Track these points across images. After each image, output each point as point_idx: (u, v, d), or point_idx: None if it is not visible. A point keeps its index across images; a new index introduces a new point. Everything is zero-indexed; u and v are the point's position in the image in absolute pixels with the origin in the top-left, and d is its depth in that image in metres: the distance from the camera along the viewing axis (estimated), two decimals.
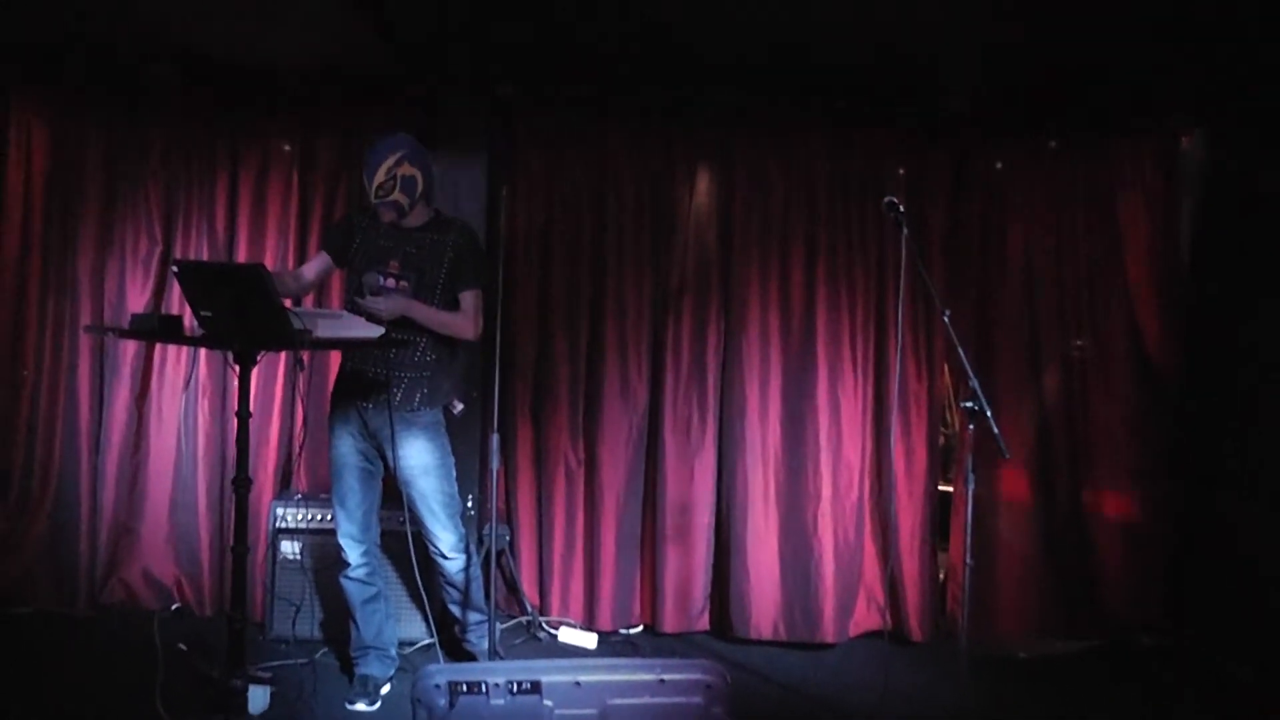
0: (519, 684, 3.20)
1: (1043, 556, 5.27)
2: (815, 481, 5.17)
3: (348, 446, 4.20)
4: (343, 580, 4.27)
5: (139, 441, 5.24)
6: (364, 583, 4.28)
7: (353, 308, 4.00)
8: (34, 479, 5.14)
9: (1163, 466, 5.22)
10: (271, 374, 5.14)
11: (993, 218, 5.33)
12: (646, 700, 3.23)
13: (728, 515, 5.21)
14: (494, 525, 4.33)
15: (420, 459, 4.16)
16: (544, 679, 3.21)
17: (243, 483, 3.50)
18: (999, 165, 5.34)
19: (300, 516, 4.80)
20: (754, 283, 5.24)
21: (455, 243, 4.16)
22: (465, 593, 4.37)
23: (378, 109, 5.09)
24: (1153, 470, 5.22)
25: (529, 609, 5.22)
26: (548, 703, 3.19)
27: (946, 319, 3.87)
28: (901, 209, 3.93)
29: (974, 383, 3.80)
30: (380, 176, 4.00)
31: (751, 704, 4.33)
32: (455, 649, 4.55)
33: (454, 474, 4.30)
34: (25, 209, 5.15)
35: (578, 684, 3.22)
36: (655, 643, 5.15)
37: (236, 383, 3.48)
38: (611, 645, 5.11)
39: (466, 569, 4.34)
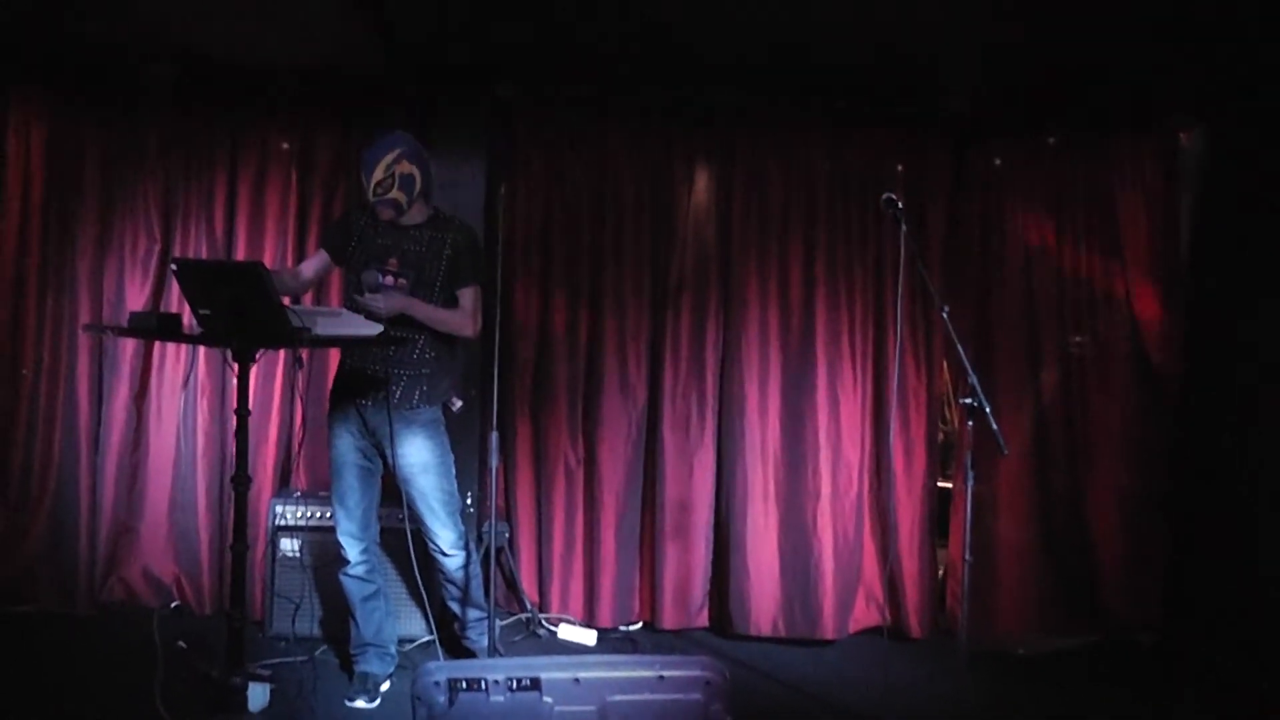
0: (518, 681, 3.19)
1: (1042, 553, 5.27)
2: (814, 478, 5.17)
3: (347, 444, 4.20)
4: (342, 578, 4.28)
5: (138, 440, 5.24)
6: (363, 580, 4.28)
7: (352, 305, 4.00)
8: (33, 478, 5.14)
9: (1162, 464, 5.22)
10: (270, 372, 5.15)
11: (992, 216, 5.34)
12: (646, 697, 3.22)
13: (727, 512, 5.22)
14: (493, 522, 4.33)
15: (420, 456, 4.16)
16: (543, 676, 3.20)
17: (242, 481, 3.50)
18: (998, 163, 5.34)
19: (299, 514, 4.81)
20: (753, 281, 5.25)
21: (454, 240, 4.16)
22: (465, 590, 4.37)
23: (377, 108, 5.09)
24: (1152, 468, 5.22)
25: (528, 606, 5.22)
26: (547, 700, 3.19)
27: (945, 315, 3.87)
28: (900, 205, 3.93)
29: (973, 379, 3.80)
30: (378, 174, 4.00)
31: (751, 700, 4.33)
32: (455, 646, 4.56)
33: (453, 471, 4.30)
34: (24, 208, 5.15)
35: (577, 681, 3.21)
36: (655, 639, 5.16)
37: (235, 381, 3.49)
38: (611, 642, 5.11)
39: (466, 566, 4.33)
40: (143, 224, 5.21)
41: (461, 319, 4.16)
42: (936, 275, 5.13)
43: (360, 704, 4.15)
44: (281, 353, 5.09)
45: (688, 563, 5.23)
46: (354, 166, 4.25)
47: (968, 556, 3.85)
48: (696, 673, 3.27)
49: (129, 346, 5.18)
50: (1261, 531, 4.79)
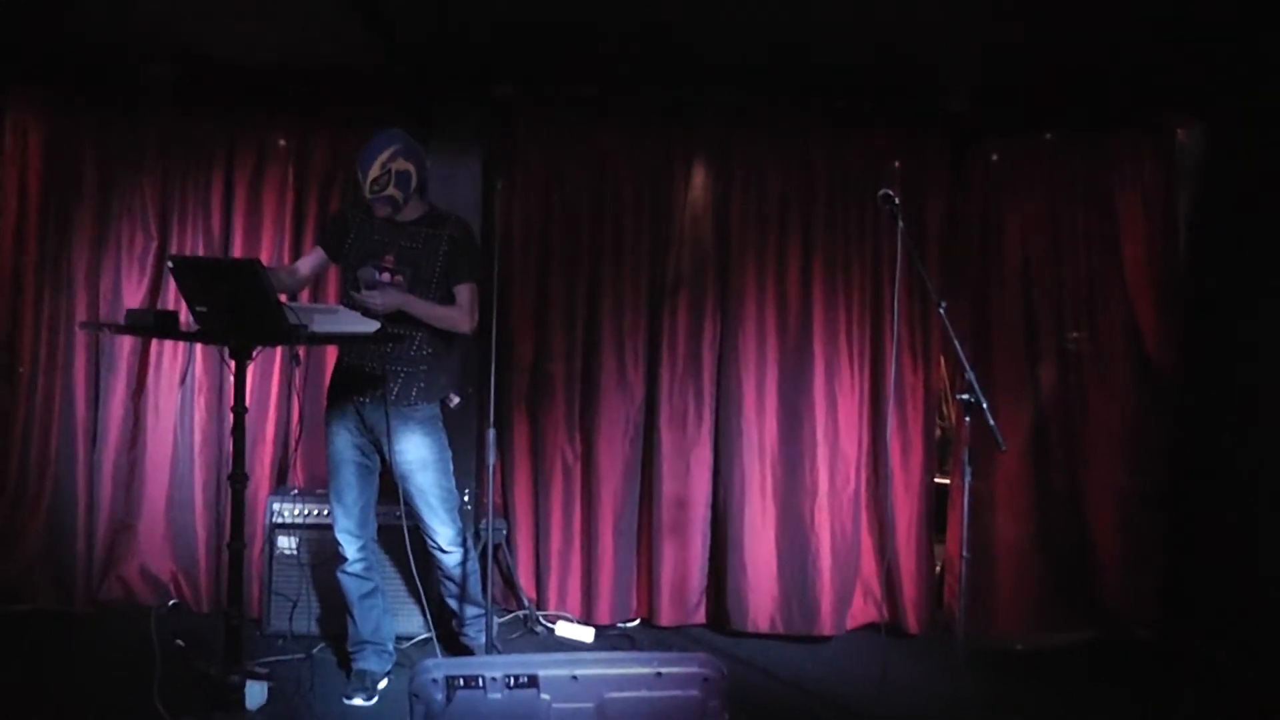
0: (516, 678, 3.19)
1: (1039, 550, 5.27)
2: (812, 475, 5.17)
3: (345, 441, 4.20)
4: (340, 575, 4.28)
5: (136, 437, 5.24)
6: (361, 578, 4.28)
7: (348, 302, 4.00)
8: (30, 476, 5.14)
9: (1160, 461, 5.22)
10: (267, 369, 5.14)
11: (990, 213, 5.34)
12: (643, 694, 3.23)
13: (724, 509, 5.22)
14: (490, 519, 4.33)
15: (418, 453, 4.16)
16: (541, 673, 3.21)
17: (239, 478, 3.51)
18: (997, 161, 5.34)
19: (297, 512, 4.81)
20: (751, 278, 5.25)
21: (450, 237, 4.16)
22: (462, 587, 4.37)
23: (374, 106, 5.07)
24: (1150, 464, 5.23)
25: (526, 603, 5.23)
26: (545, 697, 3.19)
27: (942, 311, 3.87)
28: (897, 201, 3.93)
29: (970, 375, 3.80)
30: (374, 171, 4.00)
31: (749, 697, 4.33)
32: (453, 643, 4.56)
33: (451, 468, 4.31)
34: (21, 206, 5.14)
35: (575, 678, 3.22)
36: (652, 636, 5.16)
37: (233, 378, 3.49)
38: (609, 639, 5.11)
39: (464, 563, 4.34)
40: (140, 222, 5.20)
41: (458, 315, 4.16)
42: (934, 272, 5.13)
43: (358, 701, 4.15)
44: (279, 350, 5.09)
45: (685, 559, 5.23)
46: (350, 164, 4.24)
47: (965, 553, 3.84)
48: (694, 669, 3.27)
49: (126, 344, 5.18)
50: (1260, 529, 4.79)
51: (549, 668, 3.23)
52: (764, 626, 5.12)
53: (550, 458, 5.27)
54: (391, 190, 4.04)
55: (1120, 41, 4.47)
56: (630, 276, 5.25)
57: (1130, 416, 5.23)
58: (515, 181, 5.25)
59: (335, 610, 4.60)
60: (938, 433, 5.66)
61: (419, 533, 4.29)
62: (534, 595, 5.29)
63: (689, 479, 5.24)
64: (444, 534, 4.25)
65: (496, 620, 4.56)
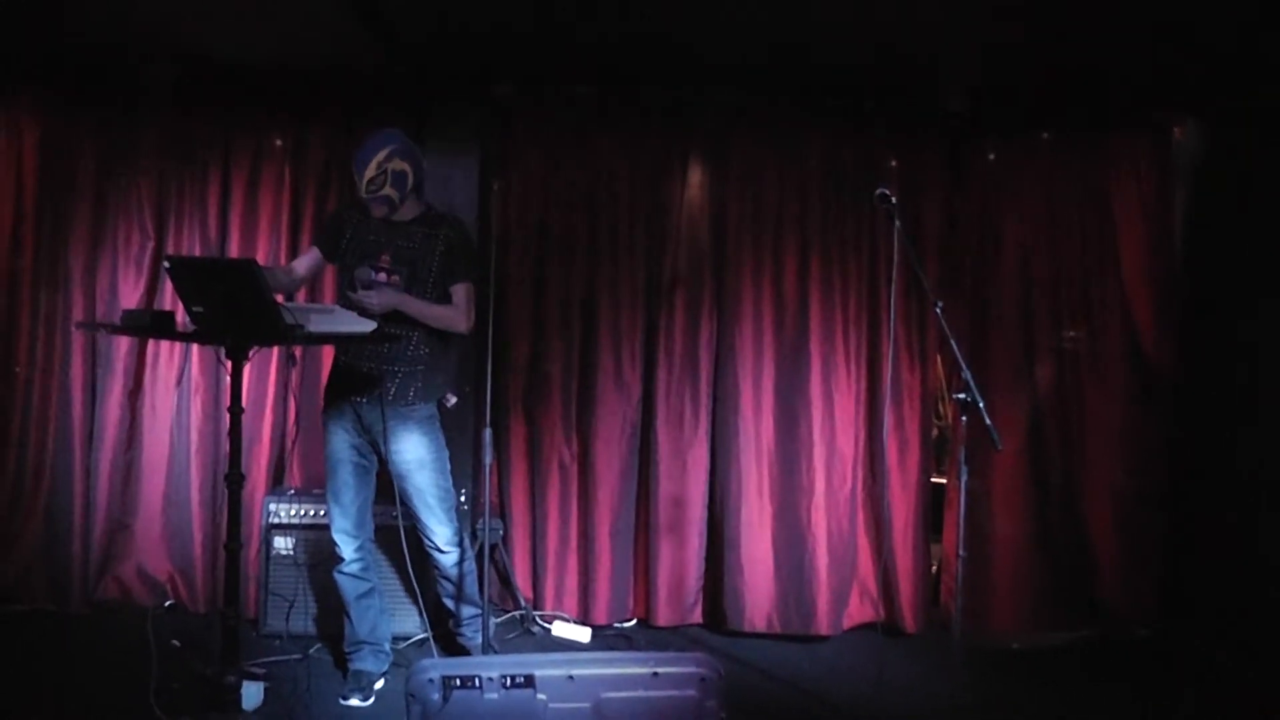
0: (513, 678, 3.19)
1: (1037, 549, 5.28)
2: (809, 474, 5.17)
3: (342, 442, 4.20)
4: (337, 575, 4.28)
5: (132, 438, 5.23)
6: (358, 578, 4.28)
7: (345, 302, 3.99)
8: (27, 476, 5.13)
9: (1158, 460, 5.22)
10: (264, 369, 5.14)
11: (988, 213, 5.34)
12: (640, 693, 3.23)
13: (721, 508, 5.22)
14: (487, 519, 4.33)
15: (416, 453, 4.17)
16: (538, 673, 3.21)
17: (236, 478, 3.50)
18: (994, 160, 5.34)
19: (293, 512, 4.80)
20: (747, 278, 5.25)
21: (446, 236, 4.16)
22: (459, 587, 4.38)
23: (371, 105, 5.08)
24: (1147, 463, 5.23)
25: (523, 603, 5.22)
26: (541, 697, 3.19)
27: (939, 310, 3.87)
28: (893, 200, 3.93)
29: (967, 375, 3.80)
30: (371, 171, 4.00)
31: (746, 696, 4.34)
32: (449, 643, 4.56)
33: (449, 468, 4.31)
34: (17, 205, 5.14)
35: (571, 678, 3.22)
36: (649, 636, 5.16)
37: (229, 378, 3.48)
38: (605, 639, 5.11)
39: (461, 563, 4.34)
40: (136, 221, 5.19)
41: (455, 315, 4.16)
42: (931, 271, 5.14)
43: (355, 702, 4.14)
44: (275, 350, 5.08)
45: (682, 559, 5.23)
46: (347, 164, 4.24)
47: (962, 552, 3.85)
48: (691, 669, 3.28)
49: (123, 344, 5.17)
50: (1260, 527, 4.79)
51: (545, 668, 3.24)
52: (761, 626, 5.12)
53: (547, 458, 5.26)
54: (388, 190, 4.04)
55: (1117, 41, 4.47)
56: (627, 276, 5.25)
57: (1128, 415, 5.23)
58: (512, 181, 5.24)
59: (332, 610, 4.60)
60: (934, 432, 5.67)
61: (416, 533, 4.28)
62: (531, 595, 5.29)
63: (686, 479, 5.24)
64: (441, 534, 4.26)
65: (493, 620, 4.55)
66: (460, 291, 4.17)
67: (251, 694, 3.91)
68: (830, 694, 4.50)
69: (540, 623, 5.17)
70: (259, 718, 3.95)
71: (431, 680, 3.17)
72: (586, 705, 3.20)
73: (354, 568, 4.26)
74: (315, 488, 4.92)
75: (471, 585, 4.40)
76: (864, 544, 5.31)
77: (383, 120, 4.26)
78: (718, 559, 5.22)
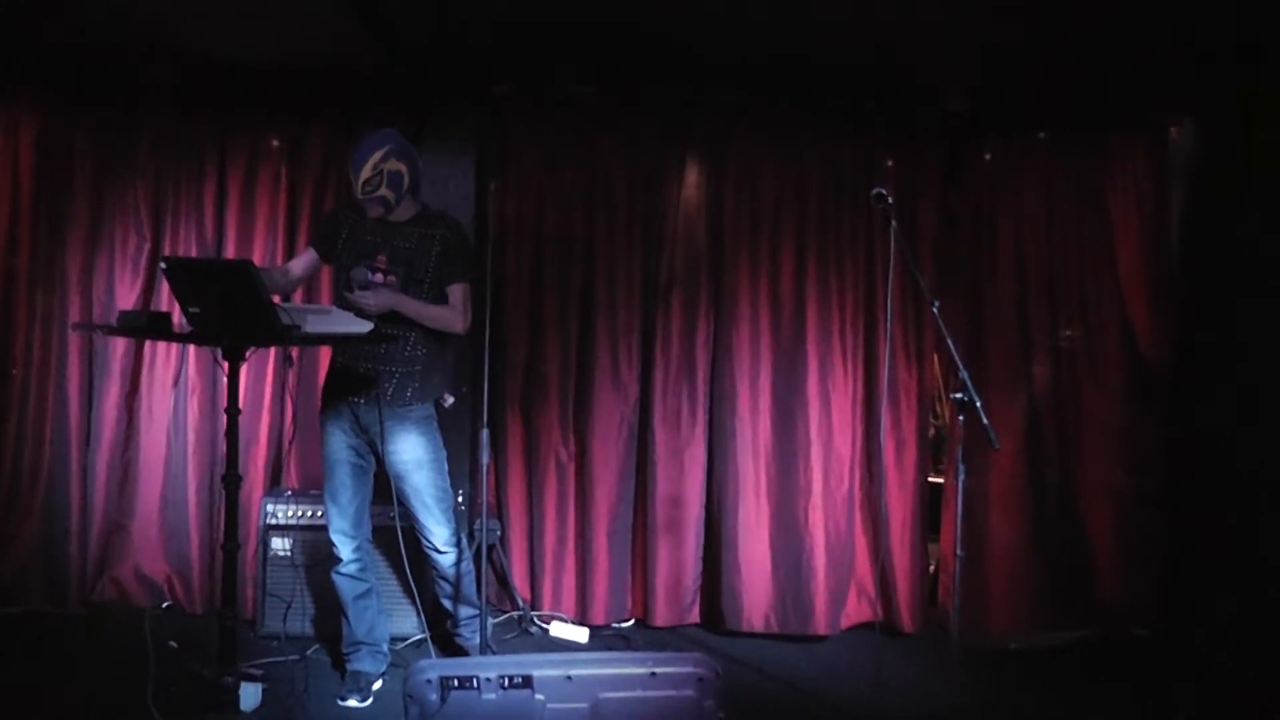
0: (510, 678, 3.19)
1: (1035, 548, 5.28)
2: (806, 474, 5.17)
3: (339, 442, 4.19)
4: (334, 576, 4.27)
5: (129, 439, 5.23)
6: (356, 578, 4.28)
7: (341, 303, 3.99)
8: (24, 477, 5.12)
9: (1156, 459, 5.23)
10: (261, 370, 5.13)
11: (984, 212, 5.34)
12: (638, 694, 3.23)
13: (719, 508, 5.22)
14: (484, 520, 4.33)
15: (414, 453, 4.16)
16: (535, 673, 3.21)
17: (233, 479, 3.50)
18: (991, 160, 5.35)
19: (291, 513, 4.80)
20: (744, 277, 5.25)
21: (443, 236, 4.16)
22: (457, 587, 4.37)
23: (370, 105, 5.07)
24: (1145, 462, 5.23)
25: (520, 604, 5.22)
26: (539, 697, 3.19)
27: (936, 310, 3.87)
28: (890, 200, 3.93)
29: (963, 374, 3.80)
30: (366, 172, 4.00)
31: (744, 696, 4.34)
32: (447, 644, 4.56)
33: (446, 468, 4.30)
34: (13, 206, 5.13)
35: (569, 678, 3.22)
36: (647, 636, 5.16)
37: (226, 379, 3.48)
38: (603, 639, 5.11)
39: (459, 563, 4.34)
40: (133, 222, 5.19)
41: (451, 315, 4.16)
42: (928, 271, 5.14)
43: (352, 703, 4.14)
44: (272, 351, 5.08)
45: (680, 559, 5.23)
46: (345, 164, 4.23)
47: (959, 551, 3.86)
48: (689, 669, 3.28)
49: (119, 345, 5.16)
50: (1259, 527, 4.79)
51: (543, 668, 3.24)
52: (759, 626, 5.12)
53: (544, 458, 5.26)
54: (384, 191, 4.04)
55: (1114, 41, 4.48)
56: (624, 276, 5.25)
57: (1125, 415, 5.23)
58: (509, 181, 5.24)
59: (330, 611, 4.59)
60: (932, 432, 5.67)
61: (414, 533, 4.28)
62: (528, 596, 5.28)
63: (683, 478, 5.24)
64: (439, 534, 4.26)
65: (491, 621, 4.55)
66: (457, 292, 4.17)
67: (249, 695, 3.91)
68: (828, 694, 4.50)
69: (538, 623, 5.17)
70: (256, 719, 3.95)
71: (429, 681, 3.17)
72: (584, 705, 3.20)
73: (352, 568, 4.25)
74: (313, 488, 4.92)
75: (469, 586, 4.40)
76: (861, 544, 5.31)
77: (381, 120, 4.25)
78: (715, 559, 5.22)
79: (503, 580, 5.29)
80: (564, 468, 5.27)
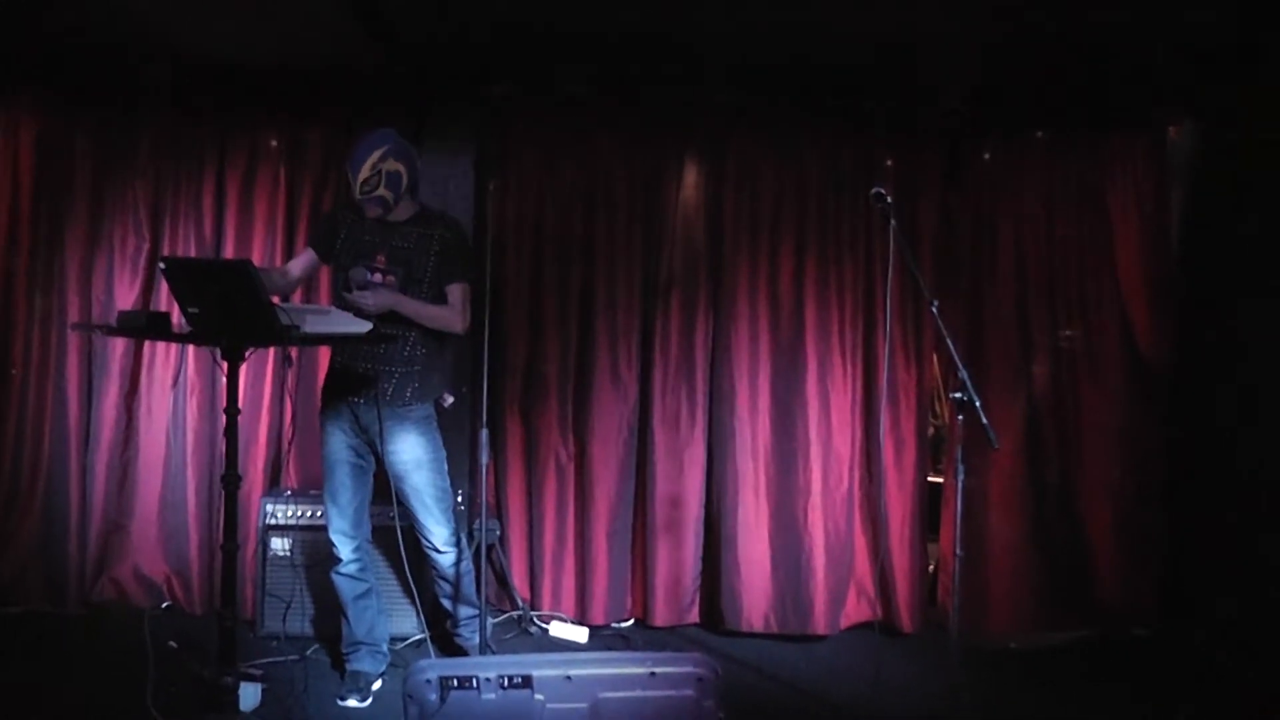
0: (510, 678, 3.19)
1: (1034, 548, 5.28)
2: (805, 474, 5.17)
3: (339, 442, 4.19)
4: (334, 576, 4.27)
5: (128, 439, 5.22)
6: (355, 579, 4.28)
7: (340, 303, 3.99)
8: (23, 477, 5.12)
9: (1156, 459, 5.23)
10: (260, 371, 5.13)
11: (984, 212, 5.34)
12: (638, 693, 3.23)
13: (718, 508, 5.22)
14: (484, 520, 4.33)
15: (413, 453, 4.16)
16: (535, 673, 3.21)
17: (232, 479, 3.50)
18: (990, 160, 5.34)
19: (290, 513, 4.80)
20: (743, 277, 5.25)
21: (441, 236, 4.16)
22: (457, 587, 4.37)
23: (369, 106, 5.06)
24: (1145, 462, 5.23)
25: (520, 604, 5.22)
26: (539, 697, 3.19)
27: (935, 310, 3.87)
28: (889, 200, 3.93)
29: (963, 374, 3.80)
30: (365, 172, 3.99)
31: (743, 696, 4.34)
32: (447, 644, 4.56)
33: (446, 468, 4.30)
34: (12, 206, 5.13)
35: (569, 678, 3.22)
36: (647, 636, 5.16)
37: (225, 379, 3.48)
38: (603, 639, 5.11)
39: (458, 563, 4.34)
40: (132, 222, 5.19)
41: (450, 315, 4.16)
42: (927, 271, 5.14)
43: (352, 703, 4.14)
44: (271, 351, 5.08)
45: (679, 559, 5.23)
46: (342, 164, 4.23)
47: (959, 551, 3.86)
48: (688, 669, 3.28)
49: (118, 345, 5.16)
50: (1259, 527, 4.79)
51: (543, 668, 3.23)
52: (758, 626, 5.12)
53: (544, 458, 5.26)
54: (382, 191, 4.03)
55: (1114, 41, 4.48)
56: (623, 276, 5.25)
57: (1125, 414, 5.24)
58: (509, 181, 5.24)
59: (329, 611, 4.59)
60: (931, 431, 5.67)
61: (413, 533, 4.28)
62: (528, 595, 5.28)
63: (683, 478, 5.24)
64: (439, 534, 4.25)
65: (490, 621, 4.55)
66: (456, 291, 4.17)
67: (248, 695, 3.91)
68: (827, 694, 4.50)
69: (538, 623, 5.17)
70: (256, 719, 3.95)
71: (429, 681, 3.17)
72: (584, 705, 3.20)
73: (351, 568, 4.25)
74: (312, 488, 4.92)
75: (469, 585, 4.40)
76: (861, 544, 5.31)
77: (381, 120, 4.25)
78: (714, 559, 5.22)
79: (502, 580, 5.29)
80: (563, 468, 5.27)
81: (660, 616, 5.20)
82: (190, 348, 5.10)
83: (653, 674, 3.24)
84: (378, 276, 4.07)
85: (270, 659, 4.48)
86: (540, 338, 5.25)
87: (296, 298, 4.79)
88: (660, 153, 5.32)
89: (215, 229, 5.22)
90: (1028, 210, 5.31)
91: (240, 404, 3.57)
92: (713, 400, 5.27)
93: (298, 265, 4.29)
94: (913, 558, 5.28)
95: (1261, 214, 4.84)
